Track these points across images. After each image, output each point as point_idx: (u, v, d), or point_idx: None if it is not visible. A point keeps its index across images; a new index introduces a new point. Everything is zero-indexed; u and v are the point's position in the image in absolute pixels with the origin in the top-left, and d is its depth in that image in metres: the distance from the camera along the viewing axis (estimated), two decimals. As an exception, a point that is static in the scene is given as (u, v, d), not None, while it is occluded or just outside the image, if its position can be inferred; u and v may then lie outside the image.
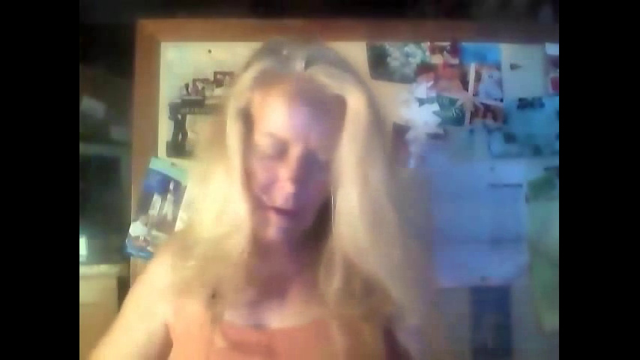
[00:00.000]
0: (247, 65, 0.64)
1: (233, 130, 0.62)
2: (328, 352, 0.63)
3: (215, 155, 0.64)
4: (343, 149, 0.60)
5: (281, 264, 0.69)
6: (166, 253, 0.73)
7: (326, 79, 0.60)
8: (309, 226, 0.65)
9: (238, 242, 0.62)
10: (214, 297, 0.64)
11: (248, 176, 0.61)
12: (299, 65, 0.61)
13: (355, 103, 0.60)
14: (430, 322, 0.70)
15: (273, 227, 0.62)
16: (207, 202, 0.65)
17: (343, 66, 0.63)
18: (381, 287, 0.64)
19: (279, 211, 0.61)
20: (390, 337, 0.68)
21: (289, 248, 0.68)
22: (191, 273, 0.65)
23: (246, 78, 0.63)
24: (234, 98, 0.63)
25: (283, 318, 0.66)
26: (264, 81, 0.62)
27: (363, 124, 0.60)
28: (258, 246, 0.63)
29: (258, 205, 0.62)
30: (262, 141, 0.61)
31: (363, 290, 0.64)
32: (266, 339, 0.65)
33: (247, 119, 0.62)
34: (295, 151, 0.60)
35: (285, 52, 0.62)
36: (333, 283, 0.63)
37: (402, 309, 0.66)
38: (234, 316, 0.65)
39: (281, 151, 0.60)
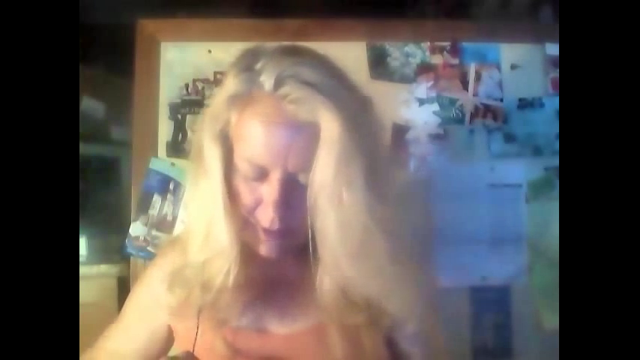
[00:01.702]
0: (223, 83, 0.63)
1: (212, 153, 0.61)
2: (328, 357, 0.63)
3: (199, 174, 0.63)
4: (317, 174, 0.57)
5: (280, 272, 0.69)
6: (161, 266, 0.73)
7: (296, 101, 0.56)
8: (302, 244, 0.62)
9: (226, 264, 0.62)
10: (214, 308, 0.64)
11: (232, 197, 0.61)
12: (268, 85, 0.58)
13: (327, 128, 0.56)
14: (429, 326, 0.70)
15: (266, 245, 0.62)
16: (193, 223, 0.66)
17: (318, 83, 0.57)
18: (376, 303, 0.63)
19: (267, 231, 0.61)
20: (390, 343, 0.68)
21: (286, 262, 0.67)
22: (183, 295, 0.65)
23: (221, 99, 0.61)
24: (210, 120, 0.62)
25: (284, 323, 0.67)
26: (237, 101, 0.60)
27: (335, 150, 0.56)
28: (253, 259, 0.63)
29: (247, 225, 0.62)
30: (242, 166, 0.60)
31: (362, 301, 0.63)
32: (267, 344, 0.66)
33: (226, 141, 0.61)
34: (275, 175, 0.58)
35: (257, 67, 0.59)
36: (330, 296, 0.63)
37: (401, 319, 0.66)
38: (235, 321, 0.66)
39: (261, 174, 0.59)
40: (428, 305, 0.69)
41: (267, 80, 0.58)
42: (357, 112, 0.59)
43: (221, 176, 0.60)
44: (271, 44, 0.63)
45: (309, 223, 0.59)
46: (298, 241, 0.61)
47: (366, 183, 0.58)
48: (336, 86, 0.59)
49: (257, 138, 0.58)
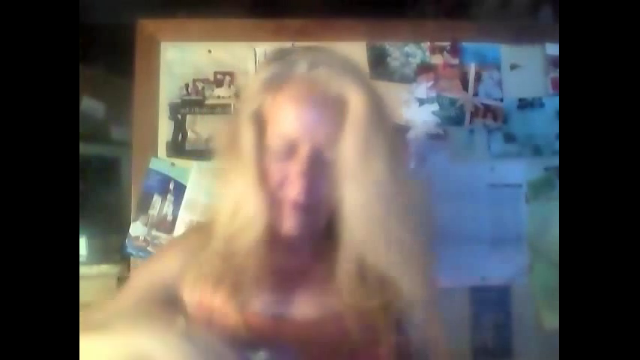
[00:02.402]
0: (257, 71, 0.69)
1: (247, 133, 0.65)
2: (344, 343, 0.64)
3: (231, 156, 0.67)
4: (345, 148, 0.62)
5: (299, 258, 0.71)
6: (181, 247, 0.75)
7: (328, 80, 0.62)
8: (324, 224, 0.67)
9: (252, 237, 0.65)
10: (236, 288, 0.66)
11: (262, 175, 0.64)
12: (302, 68, 0.64)
13: (356, 102, 0.62)
14: (431, 322, 0.70)
15: (289, 222, 0.65)
16: (223, 200, 0.69)
17: (345, 67, 0.65)
18: (392, 282, 0.66)
19: (293, 205, 0.64)
20: (402, 330, 0.69)
21: (307, 245, 0.70)
22: (207, 269, 0.67)
23: (256, 82, 0.66)
24: (247, 101, 0.67)
25: (302, 309, 0.68)
26: (272, 84, 0.65)
27: (362, 123, 0.61)
28: (277, 241, 0.66)
29: (273, 202, 0.65)
30: (274, 141, 0.63)
31: (377, 284, 0.66)
32: (285, 329, 0.67)
33: (260, 121, 0.65)
34: (304, 150, 0.62)
35: (290, 58, 0.65)
36: (348, 279, 0.65)
37: (412, 303, 0.67)
38: (255, 306, 0.67)
39: (291, 150, 0.63)
40: (432, 302, 0.71)
41: (301, 63, 0.64)
42: (379, 94, 0.65)
43: (253, 155, 0.64)
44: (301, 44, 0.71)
45: (333, 198, 0.63)
46: (321, 219, 0.66)
47: (390, 161, 0.63)
48: (361, 71, 0.67)
49: (289, 114, 0.63)
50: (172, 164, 1.12)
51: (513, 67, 1.18)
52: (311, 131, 0.62)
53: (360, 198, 0.62)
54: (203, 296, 0.68)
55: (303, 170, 0.62)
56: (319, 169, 0.63)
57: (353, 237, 0.64)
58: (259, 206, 0.64)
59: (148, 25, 1.14)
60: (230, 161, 0.68)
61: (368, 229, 0.64)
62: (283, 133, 0.63)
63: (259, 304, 0.67)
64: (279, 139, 0.63)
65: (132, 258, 1.12)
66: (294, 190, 0.63)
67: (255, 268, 0.65)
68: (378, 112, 0.64)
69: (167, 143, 1.13)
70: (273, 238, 0.66)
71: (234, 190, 0.67)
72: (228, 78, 1.13)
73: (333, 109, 0.62)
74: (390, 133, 0.65)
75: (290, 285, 0.69)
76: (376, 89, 0.66)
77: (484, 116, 1.16)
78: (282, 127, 0.63)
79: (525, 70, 1.18)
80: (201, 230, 0.73)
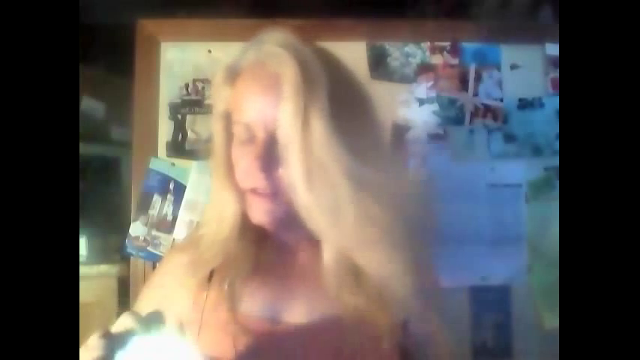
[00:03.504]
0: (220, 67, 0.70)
1: (217, 127, 0.68)
2: (340, 347, 0.63)
3: (210, 154, 0.70)
4: (282, 128, 0.60)
5: (290, 258, 0.70)
6: (178, 252, 0.77)
7: (269, 60, 0.62)
8: (291, 211, 0.63)
9: (224, 229, 0.66)
10: (228, 286, 0.66)
11: (231, 167, 0.66)
12: (252, 55, 0.65)
13: (286, 74, 0.60)
14: (433, 326, 0.70)
15: (255, 210, 0.64)
16: (206, 200, 0.72)
17: (282, 44, 0.63)
18: (375, 280, 0.64)
19: (256, 192, 0.64)
20: (399, 334, 0.68)
21: (286, 238, 0.70)
22: (191, 264, 0.69)
23: (218, 77, 0.68)
24: (213, 97, 0.70)
25: (296, 313, 0.67)
26: (230, 76, 0.67)
27: (294, 93, 0.59)
28: (253, 234, 0.67)
29: (241, 192, 0.65)
30: (237, 130, 0.65)
31: (357, 277, 0.65)
32: (281, 333, 0.66)
33: (227, 115, 0.67)
34: (260, 135, 0.62)
35: (245, 47, 0.67)
36: (329, 271, 0.65)
37: (407, 305, 0.66)
38: (249, 309, 0.66)
39: (251, 137, 0.63)
40: (431, 300, 0.70)
41: (251, 50, 0.66)
42: (321, 66, 0.62)
43: (223, 145, 0.66)
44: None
45: (286, 182, 0.61)
46: (286, 206, 0.63)
47: (341, 142, 0.60)
48: (294, 43, 0.64)
49: (245, 101, 0.64)
50: (172, 164, 1.12)
51: (513, 67, 1.18)
52: (261, 116, 0.62)
53: (308, 179, 0.59)
54: (195, 300, 0.67)
55: (258, 155, 0.61)
56: (275, 154, 0.62)
57: (316, 220, 0.62)
58: (229, 198, 0.66)
59: (148, 25, 1.14)
60: (210, 159, 0.70)
61: (328, 217, 0.61)
62: (243, 122, 0.63)
63: (256, 304, 0.66)
64: (239, 126, 0.64)
65: (132, 258, 1.12)
66: (253, 177, 0.62)
67: (237, 264, 0.66)
68: (310, 79, 0.60)
69: (167, 143, 1.13)
70: (249, 233, 0.67)
71: (212, 187, 0.69)
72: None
73: (274, 88, 0.61)
74: (341, 111, 0.61)
75: (285, 286, 0.68)
76: (308, 55, 0.62)
77: (484, 116, 1.16)
78: (241, 116, 0.64)
79: (525, 70, 1.18)
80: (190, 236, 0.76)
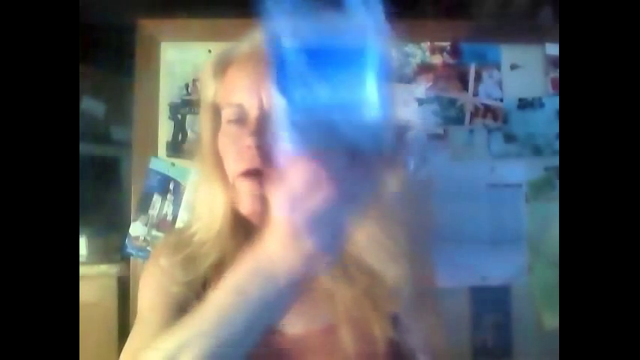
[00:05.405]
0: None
1: (203, 118, 0.68)
2: (339, 356, 0.62)
3: (198, 152, 0.69)
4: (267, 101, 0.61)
5: None
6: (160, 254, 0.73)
7: (263, 44, 0.61)
8: None
9: (216, 222, 0.65)
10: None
11: (219, 159, 0.65)
12: (245, 46, 0.66)
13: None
14: (432, 326, 0.70)
15: (247, 197, 0.62)
16: (195, 199, 0.70)
17: None
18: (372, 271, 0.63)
19: (248, 174, 0.62)
20: (397, 340, 0.68)
21: None
22: (178, 270, 0.66)
23: (207, 69, 0.68)
24: (202, 91, 0.70)
25: (296, 322, 0.66)
26: (220, 66, 0.67)
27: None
28: (243, 229, 0.64)
29: (230, 184, 0.64)
30: (226, 114, 0.64)
31: (359, 270, 0.63)
32: (280, 343, 0.65)
33: (215, 109, 0.67)
34: (253, 113, 0.62)
35: (243, 41, 0.67)
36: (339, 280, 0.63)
37: (403, 297, 0.65)
38: None
39: (243, 117, 0.63)
40: (430, 299, 0.69)
41: (244, 43, 0.66)
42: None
43: (210, 136, 0.66)
44: None
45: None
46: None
47: None
48: None
49: (237, 83, 0.64)
50: (172, 164, 1.12)
51: (513, 67, 1.18)
52: (257, 94, 0.62)
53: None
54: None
55: (252, 131, 0.60)
56: (269, 133, 0.60)
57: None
58: (220, 192, 0.65)
59: (148, 25, 1.14)
60: (197, 154, 0.69)
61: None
62: (234, 103, 0.63)
63: None
64: (230, 107, 0.64)
65: (132, 258, 1.12)
66: (247, 156, 0.61)
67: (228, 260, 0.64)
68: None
69: (167, 143, 1.13)
70: (240, 230, 0.65)
71: (200, 182, 0.69)
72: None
73: (265, 68, 0.60)
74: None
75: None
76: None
77: (484, 116, 1.16)
78: (233, 99, 0.63)
79: (525, 70, 1.18)
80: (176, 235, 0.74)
